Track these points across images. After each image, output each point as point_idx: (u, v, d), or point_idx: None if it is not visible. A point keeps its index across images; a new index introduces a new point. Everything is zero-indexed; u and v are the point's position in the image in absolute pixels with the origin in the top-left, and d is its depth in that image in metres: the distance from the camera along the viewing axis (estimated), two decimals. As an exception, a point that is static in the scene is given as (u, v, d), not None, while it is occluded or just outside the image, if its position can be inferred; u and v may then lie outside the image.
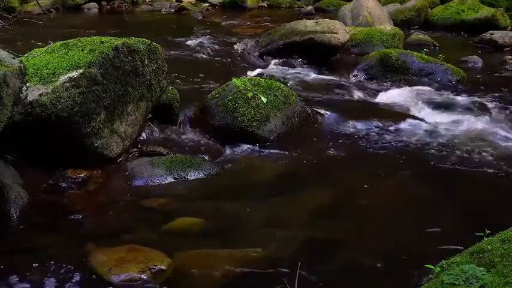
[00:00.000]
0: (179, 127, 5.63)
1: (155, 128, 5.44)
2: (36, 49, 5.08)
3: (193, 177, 4.66)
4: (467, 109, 6.53)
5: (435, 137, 5.68)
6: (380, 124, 5.92)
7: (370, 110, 6.48)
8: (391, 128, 5.87)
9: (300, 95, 6.26)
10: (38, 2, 11.08)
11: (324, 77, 7.76)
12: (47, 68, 4.54)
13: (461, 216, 4.14)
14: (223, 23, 12.41)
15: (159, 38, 8.99)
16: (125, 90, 4.83)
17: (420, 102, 6.81)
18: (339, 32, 8.33)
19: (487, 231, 2.95)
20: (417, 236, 3.86)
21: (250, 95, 5.34)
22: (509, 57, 9.21)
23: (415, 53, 8.09)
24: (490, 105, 6.72)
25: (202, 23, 12.48)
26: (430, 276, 2.75)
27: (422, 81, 7.61)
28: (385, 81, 7.63)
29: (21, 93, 4.27)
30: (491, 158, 5.18)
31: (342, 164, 5.09)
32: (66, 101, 4.36)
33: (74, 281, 3.25)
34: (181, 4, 14.87)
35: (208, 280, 3.32)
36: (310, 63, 8.23)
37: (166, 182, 4.57)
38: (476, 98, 6.91)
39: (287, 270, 3.29)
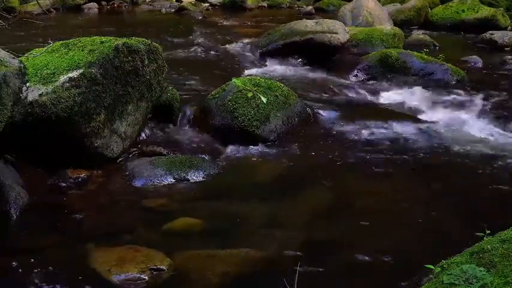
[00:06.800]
0: (179, 127, 5.63)
1: (155, 128, 5.44)
2: (36, 49, 5.08)
3: (193, 177, 4.66)
4: (468, 109, 6.54)
5: (435, 137, 5.68)
6: (380, 124, 5.92)
7: (370, 110, 6.48)
8: (391, 128, 5.87)
9: (300, 95, 6.25)
10: (38, 2, 11.07)
11: (324, 77, 7.76)
12: (47, 68, 4.54)
13: (461, 216, 4.15)
14: (223, 23, 12.40)
15: (159, 38, 9.02)
16: (125, 90, 4.83)
17: (420, 102, 6.81)
18: (339, 32, 8.32)
19: (487, 231, 2.95)
20: (417, 236, 3.87)
21: (250, 95, 5.33)
22: (509, 57, 9.20)
23: (415, 53, 8.08)
24: (490, 105, 6.72)
25: (202, 23, 12.47)
26: (430, 276, 2.75)
27: (422, 81, 7.60)
28: (385, 81, 7.63)
29: (21, 93, 4.28)
30: (491, 158, 5.18)
31: (341, 164, 5.08)
32: (66, 101, 4.36)
33: (74, 281, 3.25)
34: (181, 4, 14.87)
35: (208, 280, 3.32)
36: (310, 63, 8.22)
37: (166, 182, 4.57)
38: (476, 98, 6.92)
39: (287, 270, 3.28)
